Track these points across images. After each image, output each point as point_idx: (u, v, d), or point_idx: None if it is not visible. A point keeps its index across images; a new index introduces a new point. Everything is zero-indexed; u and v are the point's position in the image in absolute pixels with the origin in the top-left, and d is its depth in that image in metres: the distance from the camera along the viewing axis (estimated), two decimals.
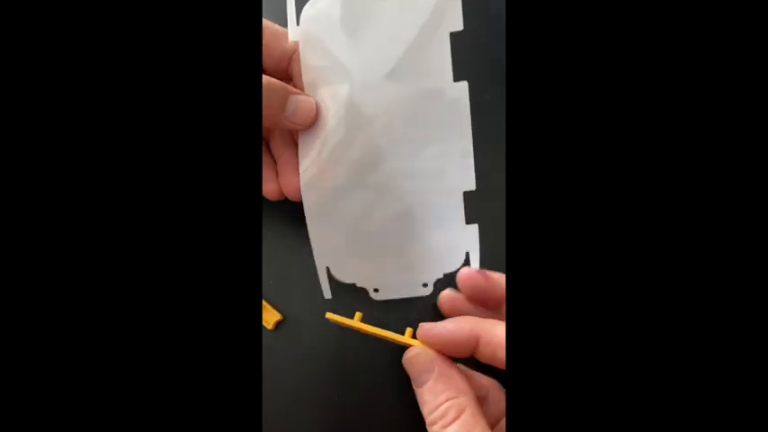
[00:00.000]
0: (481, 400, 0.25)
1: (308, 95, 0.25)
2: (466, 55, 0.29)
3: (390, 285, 0.27)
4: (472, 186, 0.24)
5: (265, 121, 0.23)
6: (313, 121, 0.24)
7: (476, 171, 0.25)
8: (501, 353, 0.22)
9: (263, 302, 0.29)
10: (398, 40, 0.23)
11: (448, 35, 0.22)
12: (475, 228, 0.25)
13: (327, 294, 0.27)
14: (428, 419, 0.22)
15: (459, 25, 0.22)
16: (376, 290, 0.27)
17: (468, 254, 0.26)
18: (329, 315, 0.25)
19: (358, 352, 0.29)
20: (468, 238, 0.25)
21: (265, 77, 0.23)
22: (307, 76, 0.25)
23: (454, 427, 0.21)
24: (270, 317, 0.29)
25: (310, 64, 0.25)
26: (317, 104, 0.25)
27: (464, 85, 0.23)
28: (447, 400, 0.22)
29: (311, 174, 0.26)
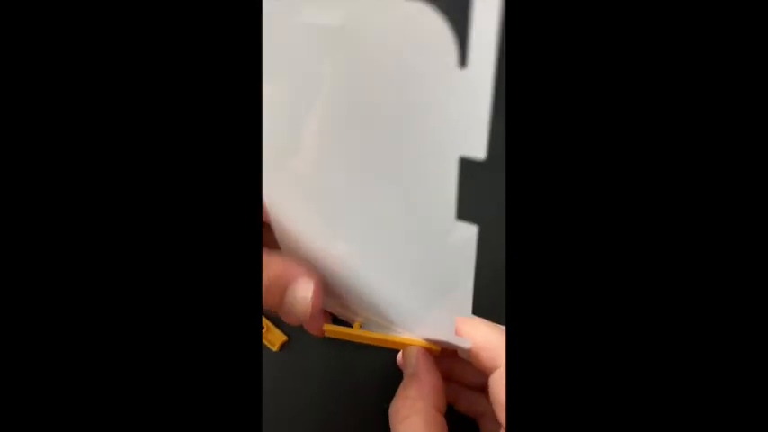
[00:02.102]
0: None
1: (306, 286, 0.21)
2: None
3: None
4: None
5: (265, 303, 0.21)
6: (309, 314, 0.21)
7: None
8: (480, 354, 0.22)
9: (269, 323, 0.29)
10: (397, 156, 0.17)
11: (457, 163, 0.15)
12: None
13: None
14: (390, 408, 0.22)
15: (480, 152, 0.15)
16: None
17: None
18: (327, 327, 0.25)
19: (364, 373, 0.29)
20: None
21: (266, 259, 0.20)
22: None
23: (404, 425, 0.21)
24: (275, 338, 0.29)
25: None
26: (312, 302, 0.21)
27: (473, 230, 0.16)
28: (406, 398, 0.22)
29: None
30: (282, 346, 0.29)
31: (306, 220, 0.21)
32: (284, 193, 0.20)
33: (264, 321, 0.29)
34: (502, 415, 0.20)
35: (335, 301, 0.25)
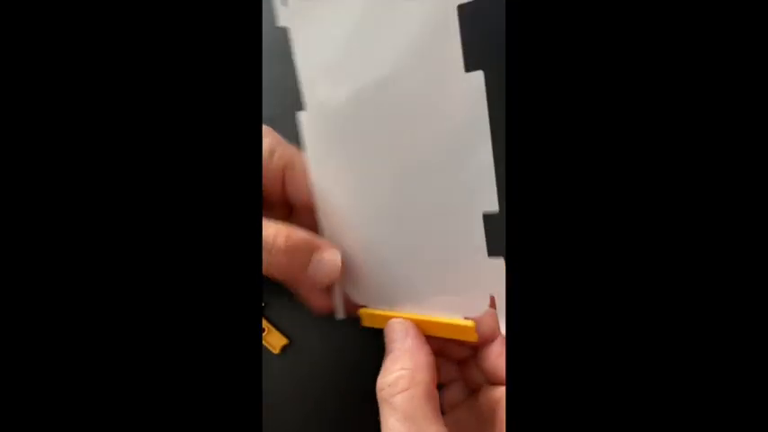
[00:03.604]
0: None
1: (334, 251, 0.22)
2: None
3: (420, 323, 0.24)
4: (495, 208, 0.19)
5: (282, 276, 0.21)
6: (336, 278, 0.22)
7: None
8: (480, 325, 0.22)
9: (269, 326, 0.29)
10: (399, 35, 0.19)
11: (455, 13, 0.17)
12: (500, 263, 0.20)
13: (341, 315, 0.25)
14: (378, 383, 0.21)
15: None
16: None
17: (492, 298, 0.21)
18: (363, 312, 0.24)
19: (366, 376, 0.28)
20: (492, 276, 0.20)
21: (287, 230, 0.20)
22: (304, 72, 0.22)
23: (401, 396, 0.20)
24: (276, 341, 0.29)
25: (305, 57, 0.22)
26: (342, 258, 0.22)
27: (479, 75, 0.18)
28: (402, 369, 0.21)
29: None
30: (283, 350, 0.29)
31: (351, 210, 0.23)
32: (331, 186, 0.23)
33: (265, 324, 0.29)
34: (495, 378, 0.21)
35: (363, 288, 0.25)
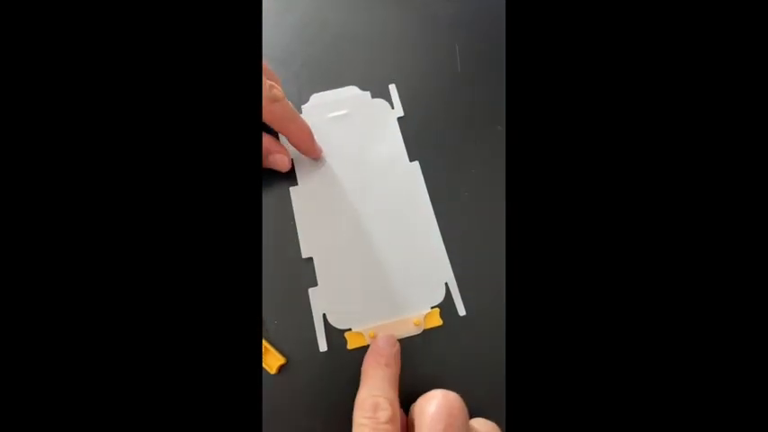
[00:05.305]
0: None
1: (282, 154, 0.32)
2: (477, 87, 0.33)
3: (386, 327, 0.29)
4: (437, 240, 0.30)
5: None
6: (285, 168, 0.33)
7: (478, 193, 0.29)
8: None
9: (267, 346, 0.28)
10: (362, 138, 0.33)
11: (396, 122, 0.33)
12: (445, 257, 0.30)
13: (323, 347, 0.29)
14: None
15: (399, 112, 0.34)
16: (372, 335, 0.29)
17: (446, 284, 0.30)
18: (347, 334, 0.28)
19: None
20: (444, 270, 0.30)
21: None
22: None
23: None
24: (273, 361, 0.28)
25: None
26: (290, 161, 0.33)
27: (416, 164, 0.32)
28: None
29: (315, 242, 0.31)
30: (280, 369, 0.28)
31: (333, 254, 0.31)
32: (318, 238, 0.31)
33: (263, 343, 0.28)
34: None
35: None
